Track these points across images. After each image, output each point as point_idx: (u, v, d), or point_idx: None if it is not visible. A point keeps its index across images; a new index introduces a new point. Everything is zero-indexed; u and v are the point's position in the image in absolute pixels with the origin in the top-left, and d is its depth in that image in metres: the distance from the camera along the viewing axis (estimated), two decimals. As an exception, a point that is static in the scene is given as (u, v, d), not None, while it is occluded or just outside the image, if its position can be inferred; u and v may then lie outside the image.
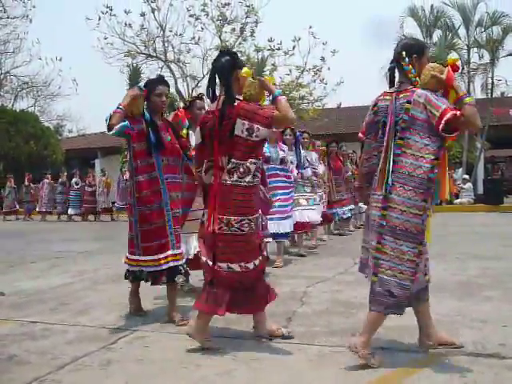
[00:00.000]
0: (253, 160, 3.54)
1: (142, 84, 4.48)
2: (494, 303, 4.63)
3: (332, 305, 4.65)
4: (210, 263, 3.55)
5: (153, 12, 20.07)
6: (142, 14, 19.92)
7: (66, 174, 20.32)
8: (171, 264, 4.23)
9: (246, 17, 20.01)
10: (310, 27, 19.49)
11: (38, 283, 6.29)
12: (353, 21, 72.92)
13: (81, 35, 53.75)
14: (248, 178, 3.52)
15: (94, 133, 34.55)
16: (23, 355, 3.59)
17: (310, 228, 8.35)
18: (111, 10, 19.59)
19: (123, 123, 4.07)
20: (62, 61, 35.99)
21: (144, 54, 20.60)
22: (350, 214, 11.08)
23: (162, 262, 4.21)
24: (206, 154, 3.72)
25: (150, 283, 4.40)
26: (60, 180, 20.05)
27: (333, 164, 10.77)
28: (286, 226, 7.10)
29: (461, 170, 21.62)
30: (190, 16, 20.01)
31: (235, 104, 3.53)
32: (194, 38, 20.21)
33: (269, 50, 19.82)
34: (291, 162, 7.41)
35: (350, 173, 11.37)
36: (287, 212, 7.16)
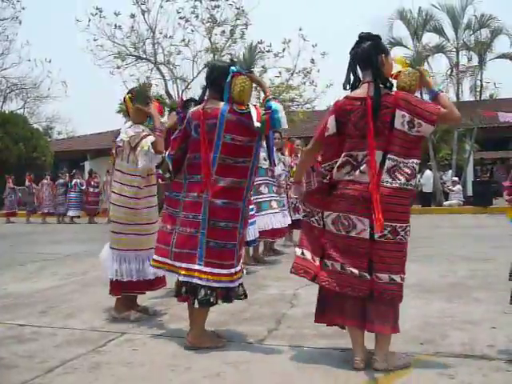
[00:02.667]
0: (415, 160, 3.15)
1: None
2: (482, 305, 4.65)
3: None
4: (367, 275, 3.14)
5: (143, 14, 20.10)
6: (132, 16, 19.92)
7: (67, 174, 20.22)
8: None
9: (236, 19, 20.08)
10: (300, 29, 19.59)
11: (26, 286, 6.25)
12: (343, 23, 73.16)
13: (70, 37, 53.51)
14: (414, 181, 3.16)
15: (83, 135, 34.46)
16: (11, 359, 3.56)
17: (285, 232, 8.03)
18: (101, 11, 19.60)
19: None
20: (52, 62, 35.91)
21: (134, 55, 20.60)
22: None
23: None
24: (336, 148, 3.30)
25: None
26: (61, 181, 19.90)
27: (316, 166, 10.45)
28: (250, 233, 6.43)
29: (450, 171, 21.71)
30: (180, 18, 20.05)
31: (392, 93, 3.18)
32: (183, 40, 20.24)
33: (259, 52, 19.83)
34: (264, 159, 6.96)
35: None
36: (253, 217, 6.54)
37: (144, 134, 4.31)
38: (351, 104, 3.22)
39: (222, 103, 3.64)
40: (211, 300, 3.57)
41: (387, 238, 3.12)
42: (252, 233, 6.51)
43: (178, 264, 3.67)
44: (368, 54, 3.24)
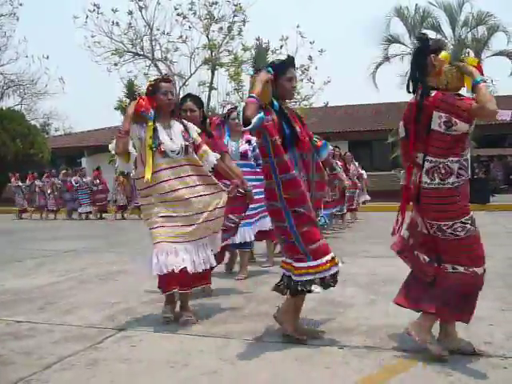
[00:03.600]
0: (454, 158, 3.19)
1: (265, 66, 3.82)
2: (480, 302, 4.62)
3: (319, 304, 4.65)
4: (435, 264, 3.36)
5: (140, 10, 20.10)
6: (130, 13, 19.91)
7: (67, 171, 20.22)
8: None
9: (234, 16, 20.09)
10: (298, 26, 19.58)
11: (24, 282, 6.24)
12: (340, 20, 73.12)
13: (68, 33, 53.50)
14: (451, 179, 3.20)
15: (80, 131, 34.39)
16: (8, 355, 3.55)
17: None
18: (98, 8, 19.59)
19: (260, 115, 3.43)
20: (49, 59, 35.84)
21: (131, 52, 20.59)
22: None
23: (329, 265, 3.69)
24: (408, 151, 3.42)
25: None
26: (61, 178, 19.87)
27: None
28: (250, 234, 6.22)
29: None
30: (178, 15, 20.05)
31: (432, 94, 3.21)
32: (181, 36, 20.25)
33: (267, 50, 19.83)
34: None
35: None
36: (252, 216, 6.22)
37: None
38: (408, 109, 3.38)
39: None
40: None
41: (438, 235, 3.28)
42: (247, 235, 6.17)
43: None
44: (415, 57, 3.37)
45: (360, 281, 5.66)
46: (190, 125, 4.49)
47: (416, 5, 21.15)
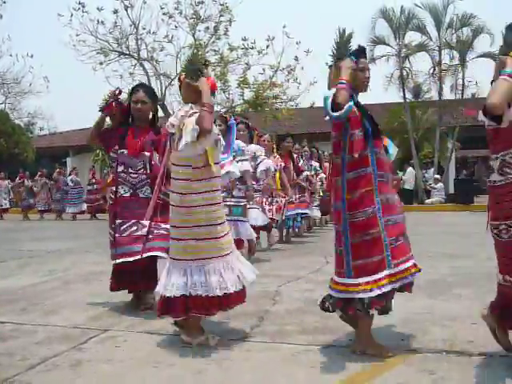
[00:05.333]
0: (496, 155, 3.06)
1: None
2: (464, 301, 4.69)
3: (304, 304, 4.66)
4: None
5: (126, 9, 19.97)
6: (115, 11, 19.79)
7: (59, 171, 20.08)
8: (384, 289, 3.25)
9: (220, 15, 20.03)
10: (284, 27, 19.59)
11: (7, 283, 6.19)
12: (327, 20, 73.28)
13: (53, 32, 53.07)
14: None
15: (65, 131, 34.17)
16: (-9, 356, 3.52)
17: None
18: (83, 6, 19.43)
19: (351, 103, 3.20)
20: (34, 58, 35.46)
21: (117, 51, 20.47)
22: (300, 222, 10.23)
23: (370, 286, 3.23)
24: None
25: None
26: (54, 177, 19.72)
27: (284, 162, 9.30)
28: None
29: (432, 169, 21.90)
30: (164, 14, 19.98)
31: None
32: (167, 36, 20.18)
33: (242, 48, 19.85)
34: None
35: (305, 173, 10.40)
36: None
37: (192, 111, 3.56)
38: None
39: None
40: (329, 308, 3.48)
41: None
42: None
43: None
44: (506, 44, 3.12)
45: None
46: None
47: (402, 6, 21.29)
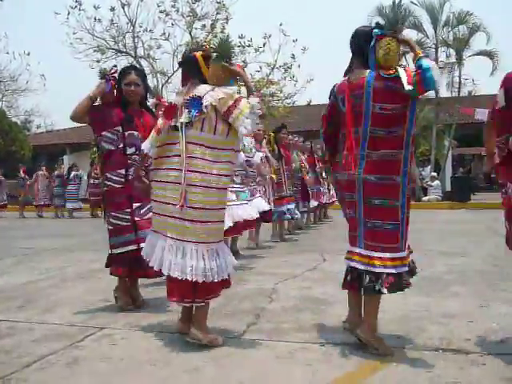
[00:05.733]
0: None
1: None
2: (460, 299, 4.70)
3: (301, 301, 4.67)
4: None
5: (123, 7, 19.93)
6: (112, 9, 19.74)
7: (63, 166, 20.01)
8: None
9: (217, 13, 19.99)
10: (281, 24, 19.58)
11: (3, 280, 6.18)
12: (324, 18, 73.34)
13: (50, 30, 53.00)
14: None
15: (62, 128, 34.11)
16: (-13, 354, 3.52)
17: (241, 230, 6.90)
18: (80, 4, 19.38)
19: None
20: (31, 55, 35.41)
21: (114, 49, 20.44)
22: (298, 215, 10.01)
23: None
24: (508, 122, 3.25)
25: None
26: (56, 173, 19.63)
27: (284, 153, 9.45)
28: None
29: (429, 167, 21.93)
30: (161, 12, 19.92)
31: None
32: (164, 33, 20.13)
33: (239, 46, 19.80)
34: None
35: (294, 165, 10.29)
36: None
37: (238, 96, 3.55)
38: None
39: (367, 71, 3.33)
40: (376, 287, 3.27)
41: None
42: None
43: (349, 248, 3.49)
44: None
45: (341, 278, 5.66)
46: None
47: (399, 3, 21.28)
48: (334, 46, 65.02)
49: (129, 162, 4.46)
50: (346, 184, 3.45)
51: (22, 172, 20.78)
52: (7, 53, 30.50)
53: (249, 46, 19.87)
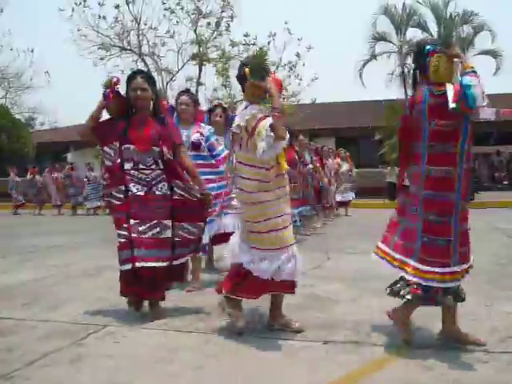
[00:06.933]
0: None
1: None
2: (463, 298, 4.68)
3: (305, 300, 4.66)
4: None
5: (127, 4, 19.91)
6: (117, 7, 19.74)
7: (71, 166, 20.09)
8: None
9: (222, 11, 19.98)
10: (286, 23, 19.56)
11: (8, 278, 6.19)
12: (327, 17, 73.20)
13: (54, 27, 53.05)
14: None
15: (66, 126, 34.14)
16: (-9, 351, 3.53)
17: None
18: (85, 1, 19.38)
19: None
20: (34, 52, 35.45)
21: (118, 46, 20.43)
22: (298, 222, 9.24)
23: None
24: None
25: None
26: (65, 173, 19.69)
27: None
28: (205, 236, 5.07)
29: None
30: (165, 9, 19.91)
31: None
32: (168, 31, 20.14)
33: (244, 44, 19.81)
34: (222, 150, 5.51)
35: (309, 166, 10.29)
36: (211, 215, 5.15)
37: (260, 115, 3.62)
38: None
39: (426, 87, 3.36)
40: (407, 297, 3.40)
41: None
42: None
43: (393, 254, 3.49)
44: None
45: (345, 277, 5.67)
46: None
47: (404, 4, 21.28)
48: (339, 45, 64.96)
49: (127, 177, 4.24)
50: (411, 196, 3.48)
51: (30, 173, 20.82)
52: (11, 49, 30.55)
53: (253, 44, 19.85)
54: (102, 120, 4.38)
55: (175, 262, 4.30)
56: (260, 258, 3.74)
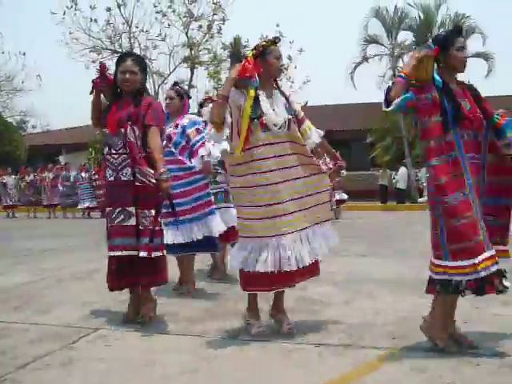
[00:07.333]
0: None
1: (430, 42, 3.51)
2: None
3: (296, 302, 4.66)
4: None
5: (119, 7, 19.94)
6: (108, 9, 19.75)
7: (61, 166, 20.08)
8: (491, 270, 3.19)
9: (213, 14, 20.02)
10: (277, 26, 19.64)
11: (1, 280, 6.16)
12: (319, 19, 73.38)
13: (45, 30, 52.97)
14: None
15: (58, 129, 34.06)
16: (-18, 355, 3.51)
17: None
18: (76, 4, 19.40)
19: (404, 95, 3.32)
20: (26, 55, 35.36)
21: (110, 49, 20.45)
22: None
23: (480, 267, 3.18)
24: None
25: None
26: (64, 174, 19.63)
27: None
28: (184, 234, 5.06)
29: (425, 168, 21.99)
30: (157, 12, 19.97)
31: None
32: (160, 34, 20.18)
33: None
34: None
35: None
36: (186, 213, 5.04)
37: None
38: None
39: None
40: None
41: None
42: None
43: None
44: None
45: (338, 279, 5.68)
46: (293, 95, 4.09)
47: (396, 6, 21.37)
48: (330, 48, 65.17)
49: (106, 163, 4.22)
50: None
51: (19, 173, 20.75)
52: (2, 52, 30.46)
53: (245, 47, 19.88)
54: (105, 107, 4.28)
55: (142, 254, 3.98)
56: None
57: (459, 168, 3.28)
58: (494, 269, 3.18)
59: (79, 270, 6.78)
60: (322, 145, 4.10)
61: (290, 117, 3.79)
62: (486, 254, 3.19)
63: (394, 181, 21.15)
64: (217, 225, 5.18)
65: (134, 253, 4.02)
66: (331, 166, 6.83)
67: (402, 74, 3.35)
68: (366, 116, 24.25)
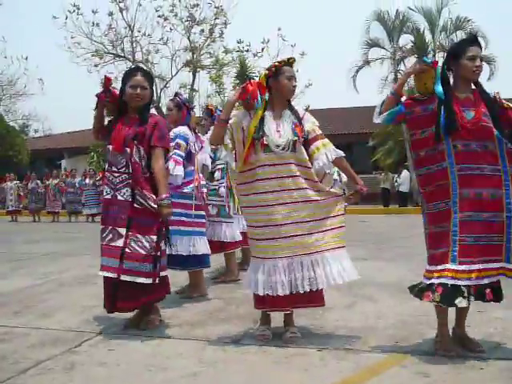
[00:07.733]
0: None
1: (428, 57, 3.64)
2: (457, 304, 4.68)
3: (298, 306, 4.65)
4: None
5: (121, 12, 20.01)
6: (110, 14, 19.81)
7: (66, 172, 20.11)
8: (441, 280, 3.22)
9: (215, 18, 20.08)
10: (279, 29, 19.66)
11: (2, 285, 6.16)
12: (321, 23, 73.48)
13: (48, 34, 53.14)
14: None
15: (60, 133, 34.11)
16: (-16, 360, 3.50)
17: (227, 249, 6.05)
18: (78, 8, 19.46)
19: (392, 109, 3.41)
20: (29, 60, 35.44)
21: (112, 53, 20.52)
22: None
23: (434, 275, 3.26)
24: None
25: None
26: (68, 180, 19.66)
27: None
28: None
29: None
30: (159, 16, 20.06)
31: None
32: (162, 38, 20.25)
33: (238, 51, 19.88)
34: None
35: None
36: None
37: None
38: None
39: None
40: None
41: None
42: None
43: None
44: None
45: (339, 283, 5.65)
46: (308, 115, 4.00)
47: (397, 10, 21.39)
48: (332, 51, 65.22)
49: (105, 180, 4.18)
50: None
51: (25, 179, 20.78)
52: (5, 57, 30.57)
53: (247, 50, 19.95)
54: (108, 122, 4.28)
55: (124, 277, 3.94)
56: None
57: (446, 178, 3.28)
58: (449, 281, 3.17)
59: (80, 274, 6.78)
60: (340, 164, 4.00)
61: (296, 138, 3.71)
62: (448, 266, 3.20)
63: (396, 184, 21.13)
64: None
65: (114, 275, 3.96)
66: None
67: (392, 91, 3.48)
68: (368, 119, 24.20)
